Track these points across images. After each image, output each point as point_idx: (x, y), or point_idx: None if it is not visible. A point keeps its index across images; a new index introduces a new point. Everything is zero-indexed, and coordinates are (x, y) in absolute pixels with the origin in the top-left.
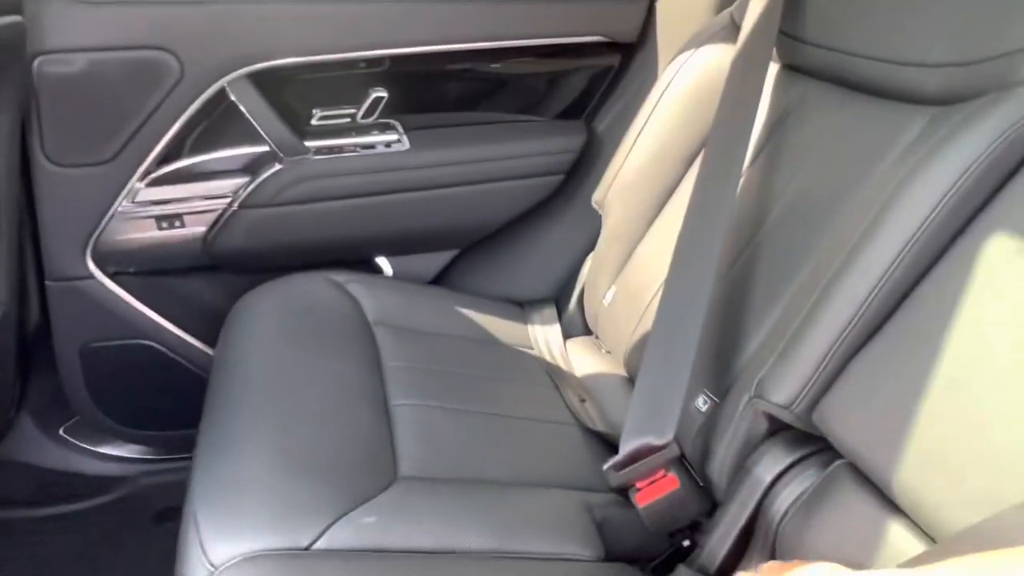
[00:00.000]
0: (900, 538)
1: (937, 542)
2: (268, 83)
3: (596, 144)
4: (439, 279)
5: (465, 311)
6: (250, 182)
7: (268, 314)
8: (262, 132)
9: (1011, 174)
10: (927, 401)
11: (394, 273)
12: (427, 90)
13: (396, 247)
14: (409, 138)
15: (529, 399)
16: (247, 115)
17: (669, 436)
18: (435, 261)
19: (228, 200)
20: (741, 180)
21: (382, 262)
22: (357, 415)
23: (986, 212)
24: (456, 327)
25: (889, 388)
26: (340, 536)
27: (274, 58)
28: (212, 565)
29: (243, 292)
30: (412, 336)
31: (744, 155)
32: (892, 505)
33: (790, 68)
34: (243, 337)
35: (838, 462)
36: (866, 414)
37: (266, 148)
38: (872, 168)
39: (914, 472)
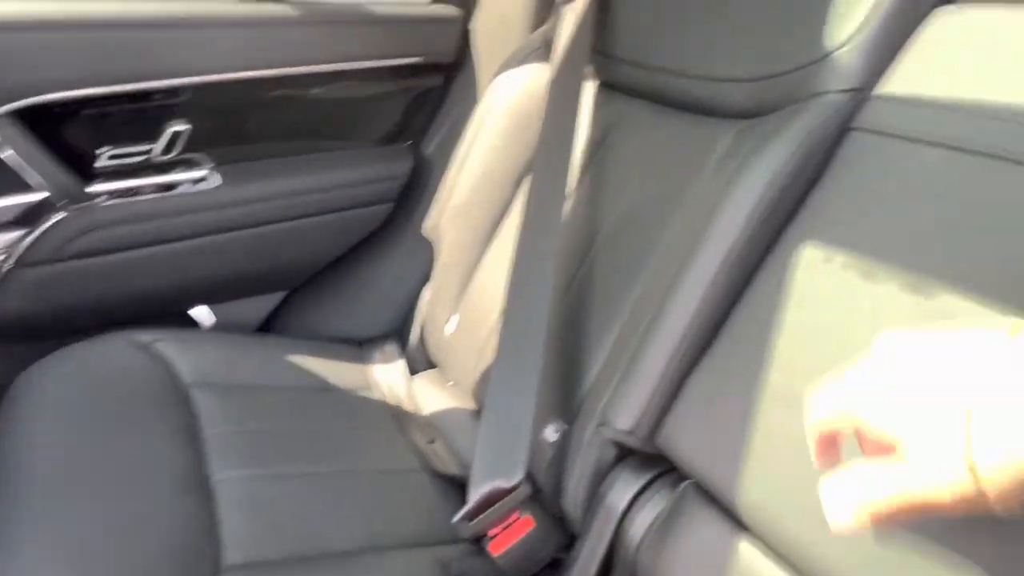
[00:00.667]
0: (751, 556)
1: (785, 558)
2: (40, 121)
3: (425, 169)
4: (268, 325)
5: (297, 358)
6: (26, 236)
7: (57, 388)
8: (36, 177)
9: (813, 182)
10: (759, 414)
11: (215, 324)
12: (239, 120)
13: (215, 295)
14: (220, 174)
15: (373, 448)
16: (16, 159)
17: (519, 476)
18: (261, 305)
19: (2, 258)
20: (571, 199)
21: (200, 312)
22: (169, 501)
23: (794, 222)
24: (287, 377)
25: (724, 404)
26: None
27: (45, 93)
28: None
29: (28, 364)
30: (236, 395)
31: (566, 175)
32: (740, 523)
33: (607, 86)
34: (26, 418)
35: (685, 483)
36: (704, 432)
37: (44, 195)
38: (691, 182)
39: (753, 488)
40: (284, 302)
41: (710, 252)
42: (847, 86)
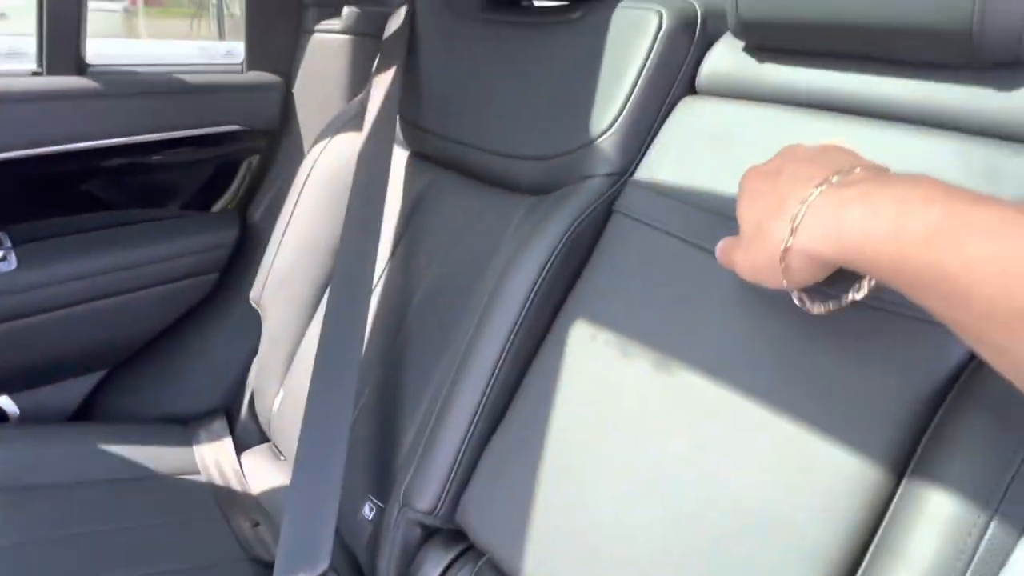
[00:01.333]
0: None
1: None
2: None
3: (253, 236)
4: (83, 410)
5: (113, 446)
6: None
7: None
8: None
9: (585, 260)
10: (539, 487)
11: (20, 415)
12: (37, 195)
13: (18, 383)
14: (17, 254)
15: (192, 543)
16: None
17: (324, 566)
18: (75, 389)
19: None
20: (386, 268)
21: (3, 402)
22: None
23: (569, 299)
24: (101, 469)
25: (509, 479)
26: None
27: None
28: None
29: None
30: (33, 499)
31: (376, 245)
32: None
33: (419, 156)
34: None
35: (482, 559)
36: (494, 508)
37: None
38: (491, 254)
39: (539, 562)
40: (102, 383)
41: (495, 331)
42: (610, 170)
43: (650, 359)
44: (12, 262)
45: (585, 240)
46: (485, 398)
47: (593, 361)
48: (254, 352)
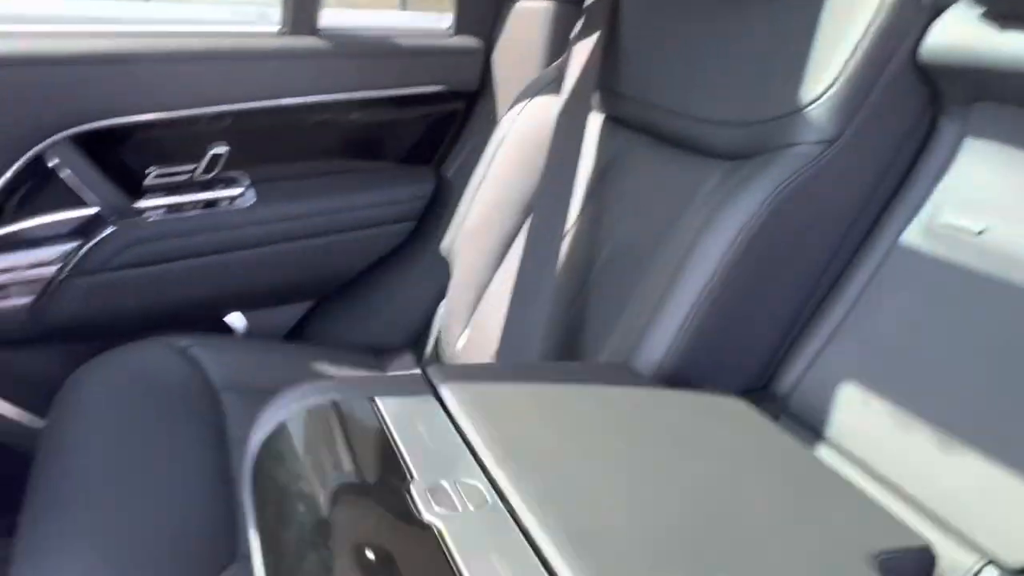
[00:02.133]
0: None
1: None
2: (94, 143)
3: (446, 190)
4: (295, 331)
5: (319, 365)
6: (80, 247)
7: (102, 388)
8: (89, 195)
9: (782, 233)
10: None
11: (247, 329)
12: (273, 143)
13: (247, 303)
14: (255, 192)
15: None
16: (71, 179)
17: None
18: (290, 313)
19: (57, 267)
20: (573, 229)
21: (234, 319)
22: (195, 492)
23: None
24: (306, 379)
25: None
26: None
27: (99, 119)
28: None
29: (79, 363)
30: (262, 399)
31: (568, 205)
32: None
33: (613, 120)
34: (73, 416)
35: None
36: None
37: (96, 211)
38: (679, 217)
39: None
40: (311, 311)
41: (686, 288)
42: (818, 138)
43: None
44: (251, 198)
45: (785, 212)
46: (666, 359)
47: None
48: (441, 296)
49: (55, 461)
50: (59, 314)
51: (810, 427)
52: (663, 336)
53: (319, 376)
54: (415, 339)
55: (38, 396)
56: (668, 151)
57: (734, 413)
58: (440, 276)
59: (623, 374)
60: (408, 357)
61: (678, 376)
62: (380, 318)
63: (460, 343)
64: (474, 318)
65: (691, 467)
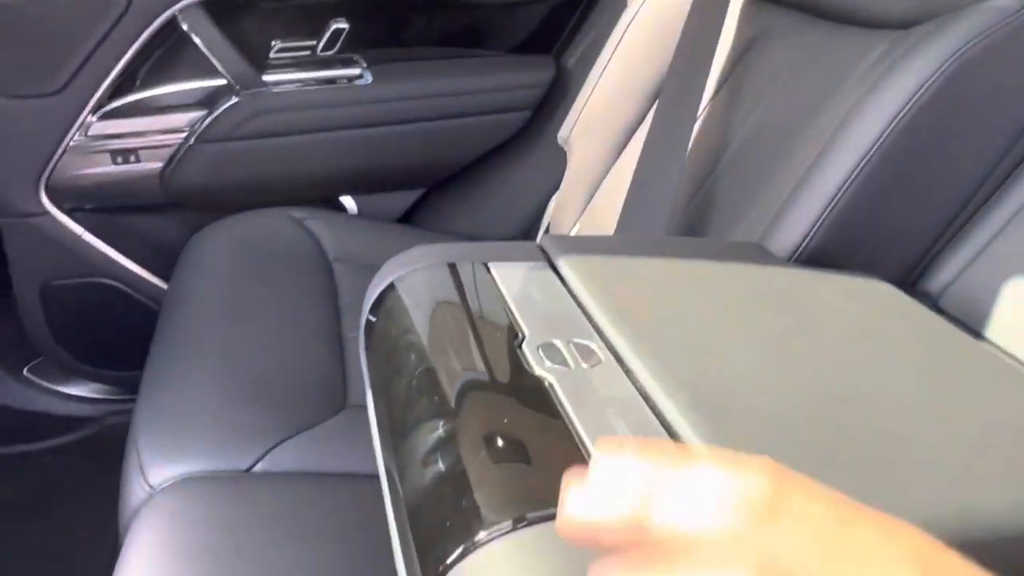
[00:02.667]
0: None
1: None
2: (223, 13)
3: (565, 80)
4: (405, 219)
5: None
6: (207, 116)
7: (223, 249)
8: (217, 63)
9: (957, 107)
10: None
11: (359, 212)
12: (391, 22)
13: (360, 185)
14: (372, 72)
15: None
16: (200, 46)
17: None
18: (401, 200)
19: (184, 134)
20: (703, 113)
21: (346, 201)
22: (308, 346)
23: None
24: None
25: None
26: (281, 460)
27: None
28: (150, 486)
29: (203, 228)
30: (373, 273)
31: (702, 88)
32: None
33: None
34: (196, 272)
35: None
36: None
37: (223, 81)
38: (831, 95)
39: None
40: (422, 199)
41: (836, 165)
42: None
43: None
44: (368, 78)
45: (967, 75)
46: (806, 242)
47: None
48: (554, 190)
49: (178, 314)
50: (185, 181)
51: (966, 329)
52: (804, 217)
53: None
54: (525, 231)
55: (164, 259)
56: (821, 26)
57: (882, 295)
58: (555, 168)
59: (756, 252)
60: None
61: (817, 262)
62: (491, 209)
63: (572, 235)
64: (587, 211)
65: (829, 345)
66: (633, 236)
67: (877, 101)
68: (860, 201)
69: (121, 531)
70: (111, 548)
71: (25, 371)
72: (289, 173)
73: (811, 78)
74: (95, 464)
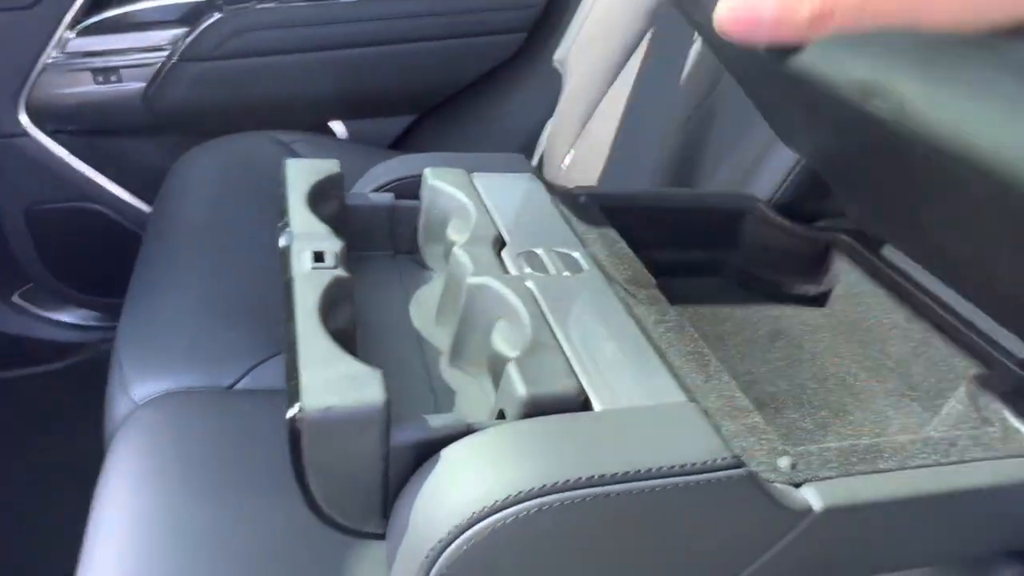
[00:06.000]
0: None
1: None
2: None
3: (561, 1)
4: (396, 145)
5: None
6: (189, 33)
7: (208, 171)
8: None
9: None
10: None
11: (349, 138)
12: None
13: (350, 110)
14: None
15: None
16: None
17: None
18: (393, 126)
19: (167, 52)
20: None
21: (336, 126)
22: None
23: None
24: None
25: None
26: (263, 378)
27: None
28: (133, 401)
29: (188, 150)
30: None
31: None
32: None
33: None
34: (180, 196)
35: None
36: None
37: None
38: None
39: None
40: (414, 124)
41: None
42: None
43: None
44: None
45: None
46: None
47: None
48: (549, 115)
49: (162, 237)
50: (168, 101)
51: None
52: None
53: None
54: None
55: (149, 183)
56: None
57: None
58: (550, 93)
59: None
60: None
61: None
62: (484, 136)
63: (566, 162)
64: (582, 136)
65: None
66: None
67: None
68: None
69: (105, 444)
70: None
71: (15, 297)
72: (275, 95)
73: None
74: (86, 388)
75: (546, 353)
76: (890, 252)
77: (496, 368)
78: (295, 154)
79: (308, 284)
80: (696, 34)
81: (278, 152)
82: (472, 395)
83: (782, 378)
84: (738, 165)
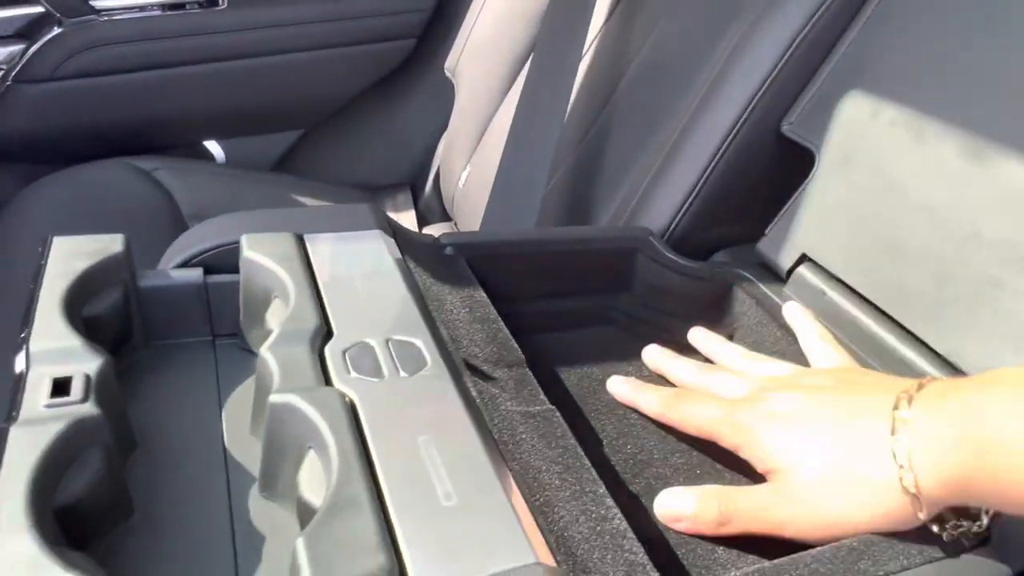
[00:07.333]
0: None
1: None
2: None
3: (452, 2)
4: (280, 165)
5: (304, 199)
6: (25, 51)
7: (52, 207)
8: None
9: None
10: None
11: (227, 160)
12: None
13: (225, 129)
14: None
15: None
16: None
17: None
18: (275, 144)
19: (1, 72)
20: (597, 36)
21: (212, 147)
22: None
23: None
24: None
25: None
26: None
27: None
28: None
29: (30, 183)
30: None
31: (591, 12)
32: None
33: None
34: (22, 234)
35: None
36: None
37: (40, 9)
38: (730, 20)
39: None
40: (298, 142)
41: (733, 92)
42: None
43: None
44: (224, 2)
45: None
46: (702, 181)
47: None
48: (443, 127)
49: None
50: (6, 127)
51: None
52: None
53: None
54: (414, 175)
55: None
56: None
57: None
58: (443, 104)
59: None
60: (405, 195)
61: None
62: (376, 152)
63: (461, 180)
64: (478, 150)
65: None
66: (512, 231)
67: (762, 35)
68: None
69: None
70: None
71: None
72: (133, 117)
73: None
74: None
75: (351, 514)
76: (793, 289)
77: (304, 517)
78: (157, 183)
79: (26, 439)
80: (587, 43)
81: (137, 181)
82: (283, 540)
83: (680, 451)
84: (631, 192)
